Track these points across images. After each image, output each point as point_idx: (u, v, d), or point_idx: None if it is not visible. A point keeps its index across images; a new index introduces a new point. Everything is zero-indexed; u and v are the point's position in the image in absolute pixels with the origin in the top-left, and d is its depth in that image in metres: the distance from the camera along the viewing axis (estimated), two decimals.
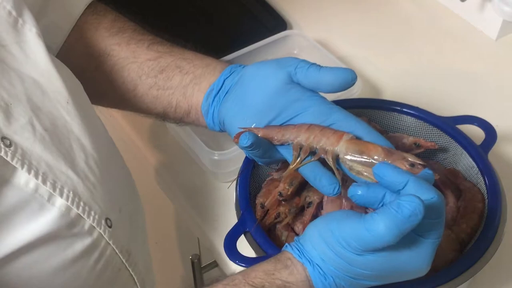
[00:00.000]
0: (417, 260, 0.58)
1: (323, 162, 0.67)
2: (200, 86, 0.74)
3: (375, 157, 0.63)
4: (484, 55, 1.08)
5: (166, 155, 0.96)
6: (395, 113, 0.81)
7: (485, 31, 1.11)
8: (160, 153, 0.97)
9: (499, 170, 0.75)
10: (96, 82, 0.77)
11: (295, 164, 0.67)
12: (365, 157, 0.63)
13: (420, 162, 0.62)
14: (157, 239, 1.13)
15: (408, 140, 0.78)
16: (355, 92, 0.94)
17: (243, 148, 0.67)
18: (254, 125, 0.69)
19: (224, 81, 0.73)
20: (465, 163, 0.78)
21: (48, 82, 0.63)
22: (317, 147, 0.66)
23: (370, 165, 0.63)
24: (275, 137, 0.68)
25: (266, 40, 1.03)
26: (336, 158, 0.65)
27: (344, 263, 0.58)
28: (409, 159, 0.62)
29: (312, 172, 0.67)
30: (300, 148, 0.67)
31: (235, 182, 0.75)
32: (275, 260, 0.61)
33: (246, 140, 0.66)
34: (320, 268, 0.59)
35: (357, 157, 0.64)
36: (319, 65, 0.69)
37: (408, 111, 0.80)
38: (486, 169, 0.75)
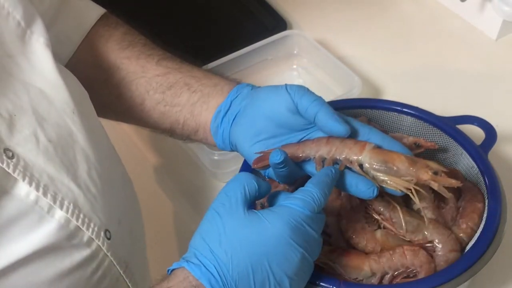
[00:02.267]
0: None
1: None
2: (208, 105, 0.74)
3: (399, 166, 0.64)
4: (484, 55, 1.08)
5: (166, 155, 0.96)
6: (395, 113, 0.81)
7: (485, 31, 1.11)
8: (160, 153, 0.97)
9: (499, 170, 0.75)
10: (104, 95, 0.78)
11: None
12: (390, 166, 0.64)
13: (443, 169, 0.63)
14: (157, 239, 1.12)
15: (408, 140, 0.77)
16: (355, 92, 0.94)
17: (274, 165, 0.67)
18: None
19: (231, 102, 0.73)
20: (465, 163, 0.78)
21: (55, 92, 0.63)
22: (341, 158, 0.66)
23: (394, 174, 0.64)
24: (295, 154, 0.68)
25: (266, 40, 1.03)
26: (363, 168, 0.66)
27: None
28: (433, 166, 0.63)
29: (345, 180, 0.67)
30: (323, 161, 0.67)
31: None
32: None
33: (278, 156, 0.65)
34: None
35: (382, 166, 0.64)
36: (320, 106, 0.68)
37: (408, 111, 0.80)
38: (486, 169, 0.75)
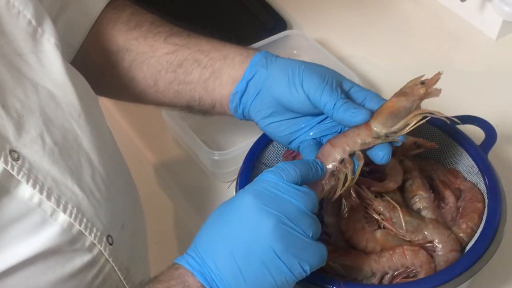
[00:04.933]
0: None
1: None
2: (221, 80, 0.74)
3: (402, 104, 0.66)
4: (484, 55, 1.08)
5: (166, 155, 0.96)
6: None
7: (485, 31, 1.11)
8: (160, 153, 0.97)
9: (499, 170, 0.75)
10: (117, 77, 0.77)
11: (350, 180, 0.66)
12: (397, 112, 0.65)
13: (421, 76, 0.67)
14: (157, 239, 1.13)
15: (408, 140, 0.78)
16: None
17: None
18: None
19: (247, 84, 0.72)
20: (465, 163, 0.78)
21: (63, 94, 0.63)
22: (358, 148, 0.66)
23: (406, 113, 0.66)
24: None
25: (266, 40, 1.03)
26: (386, 136, 0.66)
27: None
28: (414, 81, 0.67)
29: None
30: (343, 160, 0.66)
31: (235, 182, 0.75)
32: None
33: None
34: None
35: (394, 118, 0.65)
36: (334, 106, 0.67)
37: None
38: (486, 169, 0.75)
